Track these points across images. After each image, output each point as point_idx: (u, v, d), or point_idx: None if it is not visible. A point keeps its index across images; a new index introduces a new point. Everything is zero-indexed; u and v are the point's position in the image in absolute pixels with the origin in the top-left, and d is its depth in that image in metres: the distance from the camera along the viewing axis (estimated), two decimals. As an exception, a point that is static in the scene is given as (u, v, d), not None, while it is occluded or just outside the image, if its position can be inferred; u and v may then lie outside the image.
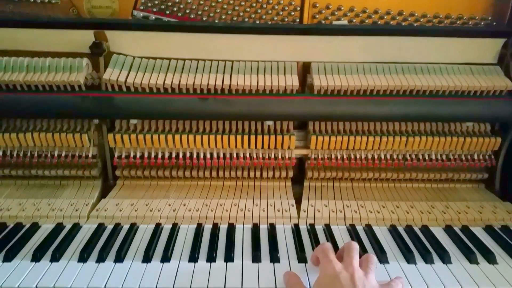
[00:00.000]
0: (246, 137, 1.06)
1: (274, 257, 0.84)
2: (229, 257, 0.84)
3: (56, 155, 1.08)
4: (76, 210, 1.00)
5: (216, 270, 0.81)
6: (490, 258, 0.85)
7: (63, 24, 1.06)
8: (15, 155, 1.08)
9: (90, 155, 1.09)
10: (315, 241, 0.89)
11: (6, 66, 1.03)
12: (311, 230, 0.94)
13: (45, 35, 1.06)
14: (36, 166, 1.11)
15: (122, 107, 1.03)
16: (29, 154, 1.08)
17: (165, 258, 0.84)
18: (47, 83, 1.03)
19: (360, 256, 0.77)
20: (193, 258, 0.84)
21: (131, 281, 0.77)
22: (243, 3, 1.11)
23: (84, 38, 1.06)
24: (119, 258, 0.83)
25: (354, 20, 1.13)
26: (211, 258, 0.84)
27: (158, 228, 0.93)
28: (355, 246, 0.78)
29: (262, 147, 1.08)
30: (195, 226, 0.95)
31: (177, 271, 0.80)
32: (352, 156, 1.11)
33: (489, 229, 0.97)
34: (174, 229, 0.93)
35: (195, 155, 1.09)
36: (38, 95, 1.03)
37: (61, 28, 1.06)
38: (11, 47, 1.08)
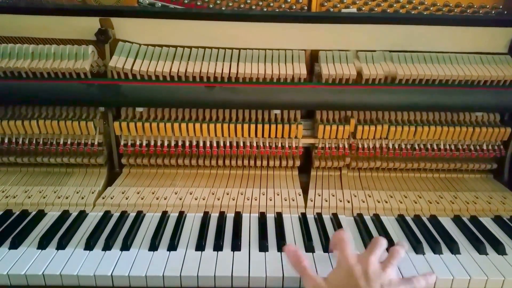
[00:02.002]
0: (253, 126, 1.05)
1: (282, 247, 0.83)
2: (236, 246, 0.84)
3: (61, 142, 1.08)
4: (82, 198, 1.00)
5: (223, 259, 0.80)
6: (499, 248, 0.84)
7: (69, 11, 1.05)
8: (20, 142, 1.07)
9: (96, 143, 1.08)
10: (322, 231, 0.89)
11: (11, 53, 1.02)
12: (319, 219, 0.94)
13: (51, 21, 1.05)
14: (42, 153, 1.10)
15: (128, 95, 1.02)
16: (34, 142, 1.08)
17: (172, 247, 0.83)
18: (53, 70, 1.02)
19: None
20: (200, 246, 0.83)
21: (138, 269, 0.77)
22: (250, -10, 1.10)
23: (89, 25, 1.05)
24: (125, 246, 0.83)
25: (363, 8, 1.12)
26: (218, 246, 0.83)
27: (164, 216, 0.93)
28: (381, 241, 0.76)
29: (269, 136, 1.07)
30: (202, 214, 0.95)
31: (183, 260, 0.80)
32: (360, 146, 1.10)
33: (498, 220, 0.96)
34: (181, 217, 0.93)
35: (201, 144, 1.09)
36: (43, 82, 1.02)
37: (67, 15, 1.05)
38: (16, 34, 1.07)
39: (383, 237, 0.78)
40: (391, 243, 0.84)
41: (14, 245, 0.83)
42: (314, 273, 0.72)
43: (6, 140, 1.08)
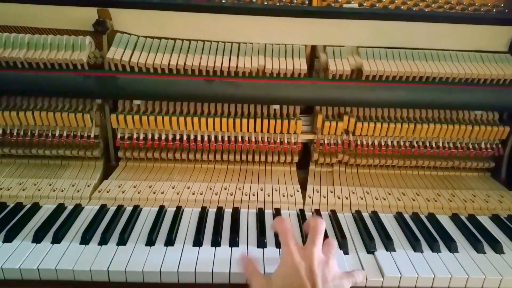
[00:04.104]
0: (252, 121, 1.05)
1: (280, 243, 0.82)
2: (234, 242, 0.83)
3: (57, 134, 1.06)
4: (78, 191, 0.99)
5: (221, 255, 0.80)
6: (497, 247, 0.85)
7: (66, 1, 1.02)
8: (15, 134, 1.06)
9: (92, 136, 1.07)
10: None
11: (6, 42, 1.00)
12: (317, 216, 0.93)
13: (47, 11, 1.03)
14: (37, 145, 1.09)
15: (125, 87, 1.00)
16: (29, 133, 1.06)
17: (169, 242, 0.82)
18: (49, 61, 1.00)
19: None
20: (198, 242, 0.83)
21: (135, 264, 0.76)
22: (251, -17, 1.09)
23: (87, 15, 1.03)
24: (122, 241, 0.82)
25: (365, 4, 1.11)
26: (216, 242, 0.83)
27: (162, 211, 0.92)
28: (320, 227, 0.73)
29: (268, 131, 1.06)
30: (199, 209, 0.94)
31: (181, 255, 0.79)
32: (359, 142, 1.10)
33: (495, 218, 0.96)
34: (178, 212, 0.92)
35: (199, 138, 1.08)
36: (39, 73, 1.00)
37: (64, 5, 1.03)
38: (11, 23, 1.05)
39: (321, 219, 0.75)
40: (390, 240, 0.84)
41: (8, 239, 0.82)
42: (260, 274, 0.72)
43: (0, 131, 1.06)
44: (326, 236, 0.84)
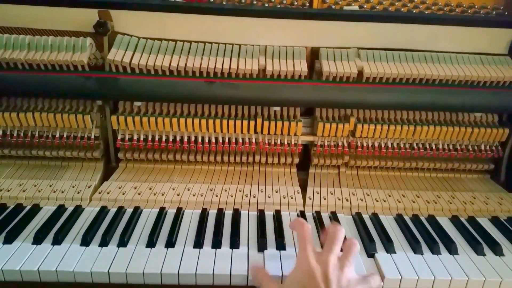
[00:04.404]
0: (252, 122, 1.05)
1: (280, 245, 0.83)
2: (234, 244, 0.83)
3: (57, 135, 1.06)
4: (78, 192, 0.99)
5: (221, 257, 0.80)
6: (497, 249, 0.85)
7: (67, 2, 1.02)
8: (15, 135, 1.06)
9: (92, 137, 1.07)
10: (321, 229, 0.88)
11: (7, 43, 1.00)
12: (317, 217, 0.93)
13: (48, 12, 1.03)
14: (37, 146, 1.09)
15: (126, 89, 1.01)
16: (30, 134, 1.06)
17: (170, 243, 0.82)
18: (49, 62, 1.00)
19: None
20: (198, 243, 0.83)
21: (135, 266, 0.76)
22: (251, -15, 1.09)
23: (88, 17, 1.03)
24: (122, 243, 0.82)
25: (365, 6, 1.11)
26: (216, 244, 0.83)
27: (162, 212, 0.92)
28: (339, 235, 0.73)
29: (268, 133, 1.06)
30: (200, 211, 0.94)
31: (182, 257, 0.79)
32: (359, 144, 1.10)
33: (495, 220, 0.96)
34: (179, 213, 0.92)
35: (199, 139, 1.08)
36: (40, 74, 1.00)
37: (65, 6, 1.03)
38: (12, 24, 1.05)
39: (341, 227, 0.75)
40: (390, 242, 0.84)
41: (8, 240, 0.81)
42: (272, 279, 0.72)
43: (0, 132, 1.06)
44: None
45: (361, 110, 1.09)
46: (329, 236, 0.74)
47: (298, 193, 1.03)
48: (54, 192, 0.98)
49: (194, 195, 1.00)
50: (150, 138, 1.07)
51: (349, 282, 0.67)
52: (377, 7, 1.11)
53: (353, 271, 0.70)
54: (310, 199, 1.01)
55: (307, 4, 1.10)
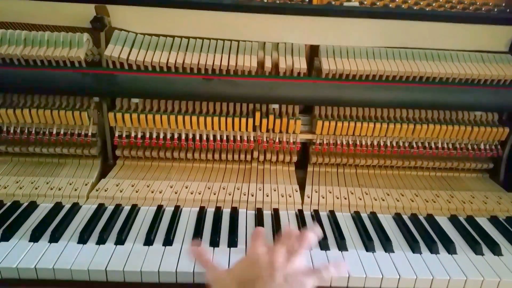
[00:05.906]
0: (250, 120, 1.04)
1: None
2: (232, 242, 0.83)
3: (54, 132, 1.05)
4: (75, 190, 0.98)
5: (219, 255, 0.79)
6: (495, 249, 0.85)
7: (64, -3, 1.02)
8: (12, 131, 1.05)
9: (89, 134, 1.06)
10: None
11: (2, 39, 0.99)
12: (316, 216, 0.93)
13: (44, 7, 1.02)
14: (34, 143, 1.08)
15: (123, 85, 1.00)
16: (26, 131, 1.05)
17: (168, 241, 0.82)
18: (46, 58, 0.99)
19: None
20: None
21: (133, 264, 0.76)
22: (250, -20, 1.08)
23: (84, 12, 1.02)
24: (120, 240, 0.82)
25: (365, 2, 1.10)
26: (214, 242, 0.82)
27: (160, 210, 0.92)
28: (292, 232, 0.71)
29: (267, 131, 1.06)
30: (198, 209, 0.93)
31: (179, 255, 0.79)
32: (358, 142, 1.09)
33: (494, 220, 0.96)
34: (177, 211, 0.91)
35: (197, 137, 1.07)
36: (36, 70, 0.99)
37: (61, 1, 1.02)
38: (7, 19, 1.04)
39: (293, 228, 0.73)
40: (388, 242, 0.84)
41: (5, 237, 0.81)
42: (216, 265, 0.70)
43: (-3, 129, 1.05)
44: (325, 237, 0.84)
45: (360, 108, 1.08)
46: (282, 233, 0.73)
47: (297, 191, 1.02)
48: (51, 189, 0.98)
49: (192, 193, 0.99)
50: (147, 135, 1.06)
51: (295, 271, 0.65)
52: (377, 4, 1.10)
53: (302, 261, 0.68)
54: (309, 197, 1.00)
55: (307, 0, 1.09)
